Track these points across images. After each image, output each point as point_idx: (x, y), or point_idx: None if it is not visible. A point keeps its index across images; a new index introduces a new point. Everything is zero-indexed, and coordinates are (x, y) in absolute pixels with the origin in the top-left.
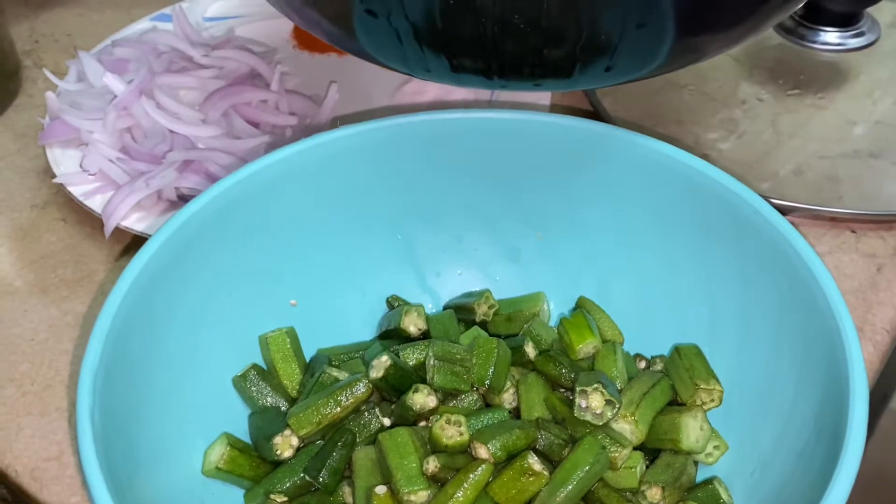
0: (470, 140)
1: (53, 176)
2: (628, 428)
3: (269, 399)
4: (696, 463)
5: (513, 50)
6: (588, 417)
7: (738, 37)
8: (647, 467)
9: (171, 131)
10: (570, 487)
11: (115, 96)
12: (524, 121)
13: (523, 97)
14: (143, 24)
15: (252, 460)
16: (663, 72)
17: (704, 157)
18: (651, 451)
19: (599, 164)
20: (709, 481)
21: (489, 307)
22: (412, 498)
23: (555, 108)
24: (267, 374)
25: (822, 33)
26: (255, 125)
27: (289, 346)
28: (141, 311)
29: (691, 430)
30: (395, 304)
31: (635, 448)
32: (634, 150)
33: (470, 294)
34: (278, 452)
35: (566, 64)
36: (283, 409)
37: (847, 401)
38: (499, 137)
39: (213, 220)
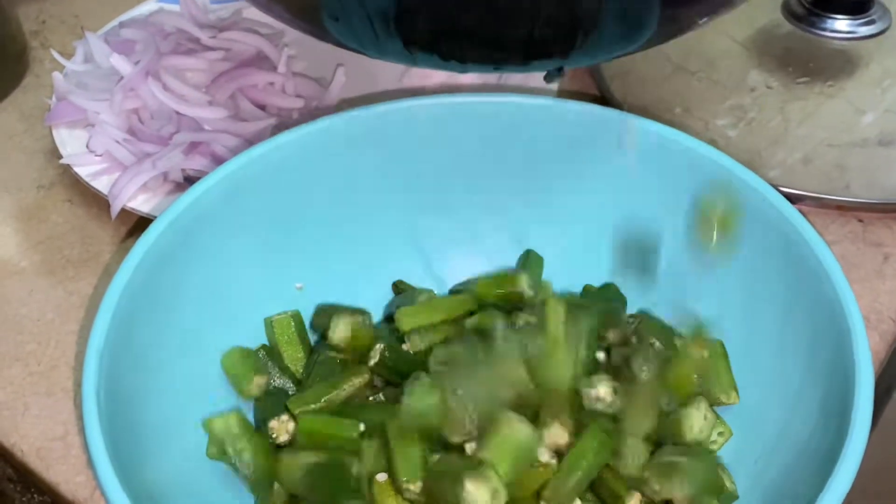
0: (477, 124)
1: (60, 157)
2: (636, 420)
3: (275, 381)
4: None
5: (469, 37)
6: (598, 407)
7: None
8: (651, 455)
9: (178, 113)
10: (579, 475)
11: (122, 77)
12: (532, 105)
13: (531, 81)
14: (149, 5)
15: None
16: (627, 54)
17: (713, 143)
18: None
19: (607, 150)
20: None
21: None
22: (410, 487)
23: (563, 94)
24: (273, 356)
25: (832, 21)
26: (262, 107)
27: (293, 329)
28: (146, 293)
29: (695, 421)
30: (402, 289)
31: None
32: (643, 137)
33: (475, 281)
34: (274, 436)
35: (523, 52)
36: (289, 391)
37: (852, 390)
38: (506, 122)
39: (219, 202)
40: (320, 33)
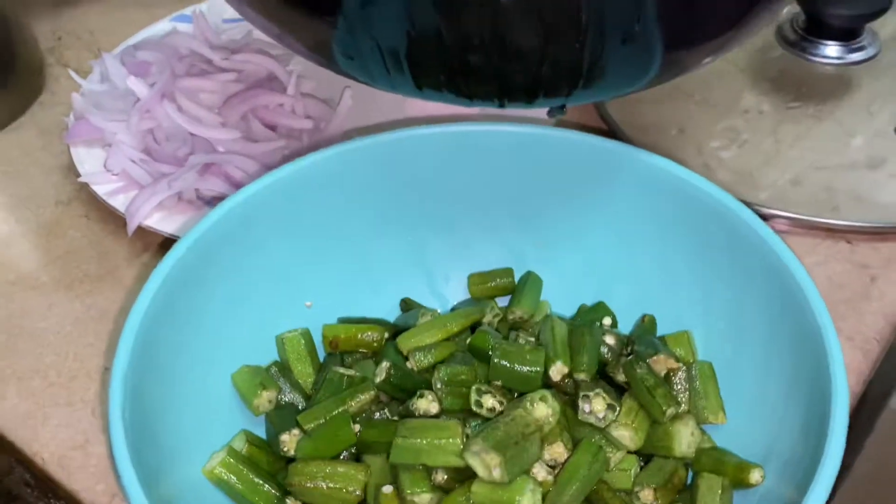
0: (481, 152)
1: (78, 174)
2: (627, 434)
3: (286, 396)
4: (687, 465)
5: (477, 78)
6: (592, 420)
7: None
8: (641, 469)
9: (192, 134)
10: (575, 487)
11: (139, 98)
12: (531, 134)
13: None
14: (163, 25)
15: (269, 456)
16: (634, 92)
17: (706, 165)
18: (644, 453)
19: (602, 178)
20: None
21: (494, 316)
22: (415, 499)
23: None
24: (285, 372)
25: (823, 46)
26: (272, 128)
27: (303, 346)
28: (166, 314)
29: (683, 437)
30: (410, 306)
31: (631, 452)
32: (635, 165)
33: (476, 301)
34: (285, 449)
35: (527, 91)
36: (299, 406)
37: (829, 411)
38: (507, 149)
39: (236, 225)
40: (333, 67)
